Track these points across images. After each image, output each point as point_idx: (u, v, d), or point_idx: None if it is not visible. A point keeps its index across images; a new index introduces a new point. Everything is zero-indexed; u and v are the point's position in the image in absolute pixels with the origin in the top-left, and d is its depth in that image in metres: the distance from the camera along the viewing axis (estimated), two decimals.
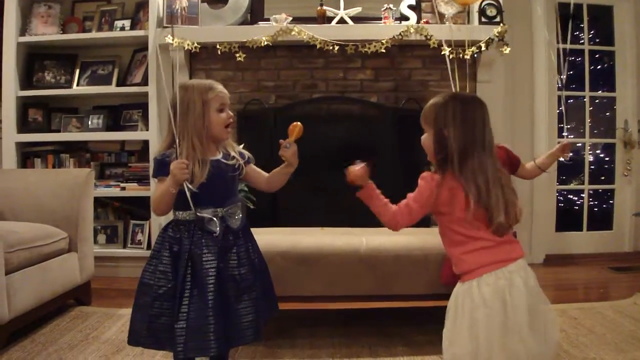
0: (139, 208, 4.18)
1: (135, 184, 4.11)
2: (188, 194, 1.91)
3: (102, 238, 4.17)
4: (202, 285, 1.92)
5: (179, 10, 3.87)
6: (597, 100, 4.94)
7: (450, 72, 3.21)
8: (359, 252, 2.74)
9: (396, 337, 2.80)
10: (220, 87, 2.07)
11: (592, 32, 4.86)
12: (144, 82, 4.07)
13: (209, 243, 1.97)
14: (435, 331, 2.79)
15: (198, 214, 1.96)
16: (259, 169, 2.21)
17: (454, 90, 3.18)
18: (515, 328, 1.61)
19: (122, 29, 4.14)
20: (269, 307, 2.19)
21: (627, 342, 2.72)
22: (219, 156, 2.08)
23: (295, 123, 2.04)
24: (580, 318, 3.07)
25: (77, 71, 4.25)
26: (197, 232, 1.97)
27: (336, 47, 3.79)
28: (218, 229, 1.98)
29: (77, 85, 4.22)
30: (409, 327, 2.93)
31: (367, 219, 3.30)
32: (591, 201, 4.92)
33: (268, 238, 2.79)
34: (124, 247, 4.18)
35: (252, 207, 3.38)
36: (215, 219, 1.98)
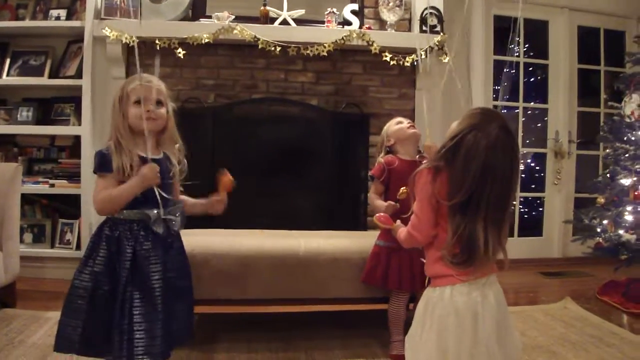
0: (68, 206, 4.00)
1: (66, 181, 3.94)
2: (158, 197, 1.90)
3: (28, 237, 3.97)
4: (148, 289, 1.87)
5: (119, 2, 3.76)
6: (529, 111, 5.10)
7: None
8: (298, 254, 2.73)
9: (334, 341, 2.80)
10: (142, 80, 1.97)
11: (527, 45, 5.01)
12: (78, 75, 3.91)
13: (155, 245, 1.92)
14: (371, 334, 2.83)
15: (146, 211, 1.91)
16: (179, 189, 2.16)
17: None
18: (484, 341, 1.60)
19: (57, 18, 3.98)
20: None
21: (559, 344, 2.81)
22: (159, 156, 2.02)
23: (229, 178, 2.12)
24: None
25: (8, 61, 4.04)
26: (140, 233, 1.91)
27: (278, 48, 3.76)
28: (162, 229, 1.93)
29: (7, 75, 4.01)
30: (346, 330, 2.94)
31: (307, 221, 3.33)
32: (522, 208, 5.07)
33: (207, 240, 2.74)
34: (52, 247, 3.99)
35: None
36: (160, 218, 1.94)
